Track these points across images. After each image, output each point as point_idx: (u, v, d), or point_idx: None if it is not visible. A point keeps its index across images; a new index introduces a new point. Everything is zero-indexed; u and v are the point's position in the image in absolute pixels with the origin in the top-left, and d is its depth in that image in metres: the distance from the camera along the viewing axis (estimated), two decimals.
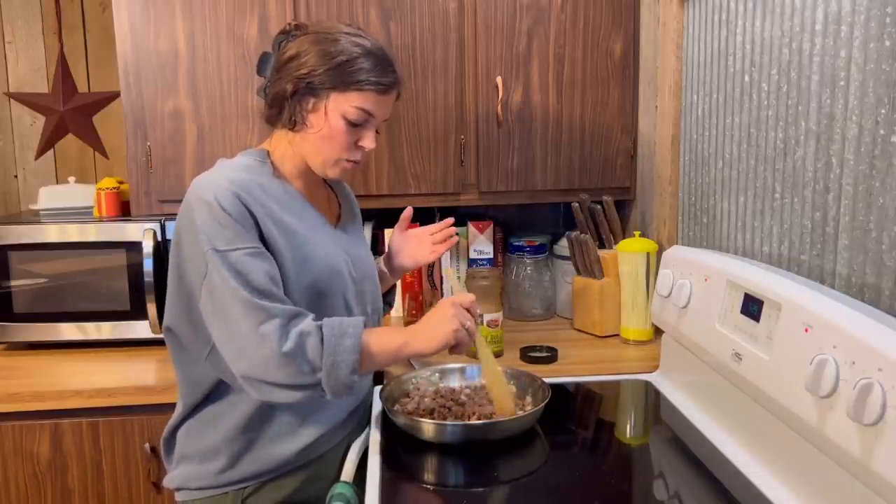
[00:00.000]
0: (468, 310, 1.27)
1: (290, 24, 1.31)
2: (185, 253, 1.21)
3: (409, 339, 1.23)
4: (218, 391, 1.28)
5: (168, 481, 1.32)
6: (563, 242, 2.10)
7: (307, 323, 1.17)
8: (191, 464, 1.29)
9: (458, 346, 1.26)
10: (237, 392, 1.25)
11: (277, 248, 1.21)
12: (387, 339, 1.23)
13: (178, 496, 1.31)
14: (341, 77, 1.23)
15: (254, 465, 1.26)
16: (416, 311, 2.12)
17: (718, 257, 1.43)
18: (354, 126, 1.26)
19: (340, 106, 1.24)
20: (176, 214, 1.26)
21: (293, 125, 1.27)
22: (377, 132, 1.32)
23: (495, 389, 1.36)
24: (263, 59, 1.33)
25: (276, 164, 1.32)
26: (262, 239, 1.20)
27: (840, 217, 1.18)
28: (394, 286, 1.65)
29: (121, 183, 2.05)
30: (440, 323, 1.24)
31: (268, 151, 1.33)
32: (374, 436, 1.35)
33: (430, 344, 1.23)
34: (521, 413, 1.33)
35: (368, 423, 1.43)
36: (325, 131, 1.25)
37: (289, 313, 1.16)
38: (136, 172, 1.91)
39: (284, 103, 1.26)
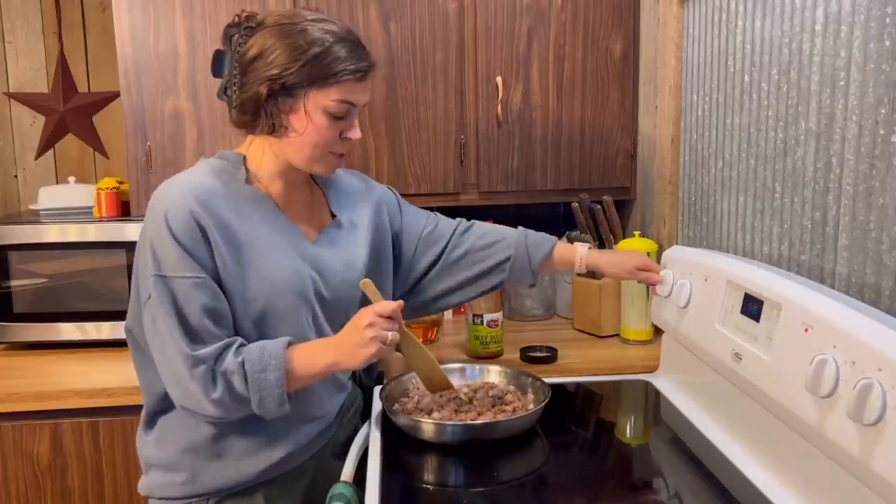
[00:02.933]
0: (390, 317, 1.17)
1: (239, 15, 1.20)
2: (139, 261, 1.18)
3: (335, 359, 1.18)
4: (172, 403, 1.23)
5: (140, 488, 1.30)
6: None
7: (230, 361, 1.13)
8: (157, 472, 1.27)
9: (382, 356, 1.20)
10: None
11: (222, 262, 1.16)
12: (311, 361, 1.18)
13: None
14: (318, 71, 1.15)
15: (215, 481, 1.23)
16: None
17: (718, 257, 1.43)
18: (338, 119, 1.19)
19: (321, 102, 1.16)
20: None
21: (273, 130, 1.19)
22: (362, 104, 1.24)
23: (423, 371, 1.35)
24: (217, 59, 1.21)
25: (253, 169, 1.25)
26: (210, 253, 1.15)
27: (840, 217, 1.18)
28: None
29: (121, 183, 2.04)
30: (359, 343, 1.16)
31: (244, 156, 1.25)
32: (374, 436, 1.35)
33: (355, 362, 1.18)
34: (521, 414, 1.33)
35: (355, 424, 1.43)
36: (309, 130, 1.18)
37: (216, 353, 1.13)
38: (136, 172, 1.91)
39: (259, 108, 1.18)
